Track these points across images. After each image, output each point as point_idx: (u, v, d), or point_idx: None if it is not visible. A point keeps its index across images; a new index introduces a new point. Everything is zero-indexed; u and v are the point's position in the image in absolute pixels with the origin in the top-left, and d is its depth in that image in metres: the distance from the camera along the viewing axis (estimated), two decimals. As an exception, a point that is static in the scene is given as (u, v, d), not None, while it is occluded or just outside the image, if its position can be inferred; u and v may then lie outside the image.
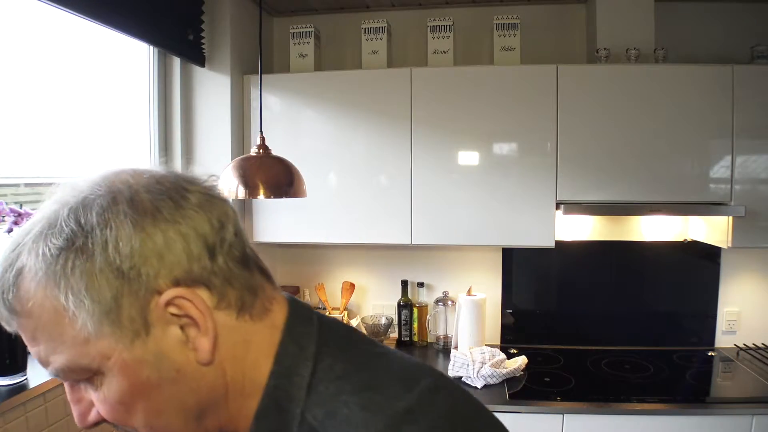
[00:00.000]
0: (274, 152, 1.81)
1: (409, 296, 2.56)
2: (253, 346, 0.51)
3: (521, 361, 2.19)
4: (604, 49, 2.20)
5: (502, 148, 2.22)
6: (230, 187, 1.69)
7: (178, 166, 2.17)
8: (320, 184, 2.24)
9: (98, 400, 0.48)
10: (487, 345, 2.35)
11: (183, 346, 0.47)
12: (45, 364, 0.48)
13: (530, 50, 2.38)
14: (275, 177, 1.73)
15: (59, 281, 0.45)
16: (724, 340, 2.44)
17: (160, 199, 0.47)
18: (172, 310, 0.46)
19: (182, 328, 0.47)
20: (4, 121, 1.56)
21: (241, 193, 1.67)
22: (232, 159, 2.11)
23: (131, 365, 0.46)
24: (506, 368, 2.14)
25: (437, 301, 2.53)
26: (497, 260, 2.56)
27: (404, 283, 2.55)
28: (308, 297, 2.70)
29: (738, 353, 2.34)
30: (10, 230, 1.28)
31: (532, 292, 2.58)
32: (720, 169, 2.11)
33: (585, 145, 2.15)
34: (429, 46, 2.34)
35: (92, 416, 0.49)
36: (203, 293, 0.48)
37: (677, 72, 2.12)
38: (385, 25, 2.37)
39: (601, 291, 2.52)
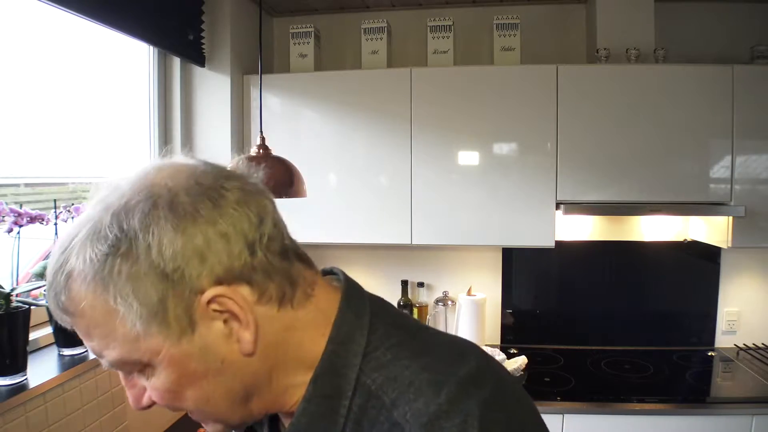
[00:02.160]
0: (274, 152, 1.81)
1: (409, 296, 2.56)
2: (297, 332, 0.53)
3: (521, 361, 2.19)
4: (604, 49, 2.20)
5: (502, 148, 2.22)
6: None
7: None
8: (320, 184, 2.24)
9: (150, 388, 0.51)
10: (487, 345, 2.34)
11: (227, 339, 0.50)
12: (99, 356, 0.51)
13: (530, 50, 2.38)
14: (275, 177, 1.73)
15: (107, 285, 0.47)
16: (724, 340, 2.44)
17: (199, 201, 0.49)
18: (214, 306, 0.49)
19: (225, 322, 0.50)
20: (4, 121, 1.56)
21: (241, 193, 1.67)
22: (232, 159, 2.11)
23: (179, 359, 0.49)
24: (506, 368, 2.14)
25: (437, 301, 2.53)
26: (497, 260, 2.55)
27: (404, 283, 2.55)
28: (308, 297, 2.70)
29: (738, 353, 2.34)
30: (9, 230, 1.28)
31: (532, 292, 2.58)
32: (720, 169, 2.11)
33: (585, 145, 2.15)
34: (429, 46, 2.34)
35: (145, 400, 0.53)
36: (244, 290, 0.50)
37: (677, 72, 2.12)
38: (385, 25, 2.37)
39: (601, 291, 2.52)
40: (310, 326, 0.54)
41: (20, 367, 1.26)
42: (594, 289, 2.52)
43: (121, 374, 0.54)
